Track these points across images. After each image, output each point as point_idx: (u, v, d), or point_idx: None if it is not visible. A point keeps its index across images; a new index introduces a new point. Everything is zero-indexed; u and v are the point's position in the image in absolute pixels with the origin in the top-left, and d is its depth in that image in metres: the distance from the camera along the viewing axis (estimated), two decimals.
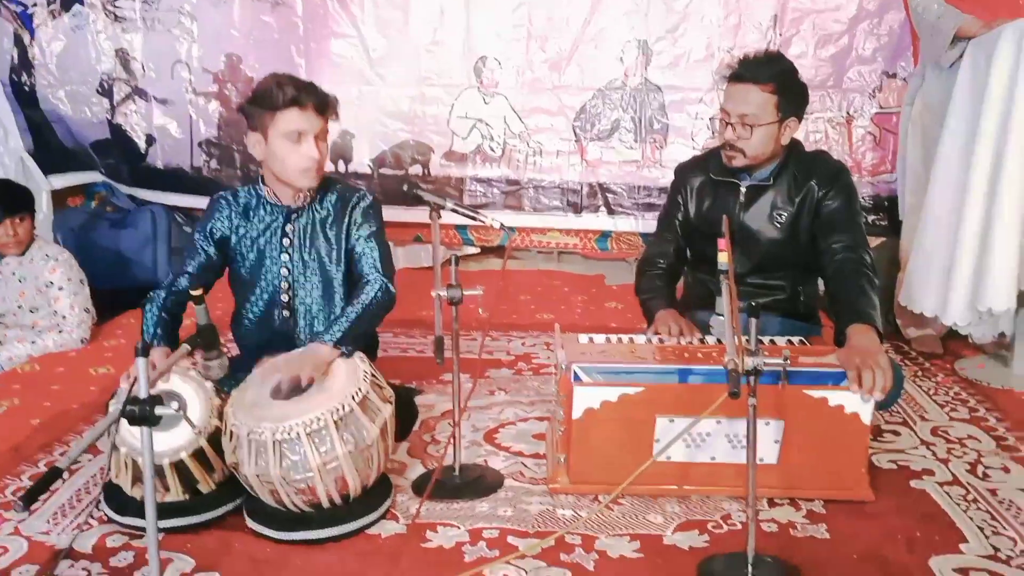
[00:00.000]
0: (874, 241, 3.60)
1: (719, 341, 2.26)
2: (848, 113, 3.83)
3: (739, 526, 1.98)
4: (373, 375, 2.05)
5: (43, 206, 4.34)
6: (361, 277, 2.31)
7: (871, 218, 3.76)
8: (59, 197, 4.49)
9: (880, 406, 2.43)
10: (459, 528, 1.99)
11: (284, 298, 2.38)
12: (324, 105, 2.27)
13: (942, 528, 1.98)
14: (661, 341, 2.28)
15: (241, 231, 2.37)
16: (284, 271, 2.37)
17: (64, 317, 3.24)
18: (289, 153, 2.24)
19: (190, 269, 2.36)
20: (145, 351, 1.50)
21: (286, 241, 2.36)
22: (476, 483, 2.19)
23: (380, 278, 2.28)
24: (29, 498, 1.30)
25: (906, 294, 3.05)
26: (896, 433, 2.50)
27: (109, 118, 4.31)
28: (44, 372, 3.04)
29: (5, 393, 2.83)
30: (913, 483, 2.20)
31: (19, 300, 3.25)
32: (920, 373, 3.01)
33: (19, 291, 3.24)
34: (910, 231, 3.15)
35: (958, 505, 2.09)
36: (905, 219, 3.27)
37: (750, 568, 1.73)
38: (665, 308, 2.42)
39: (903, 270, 3.13)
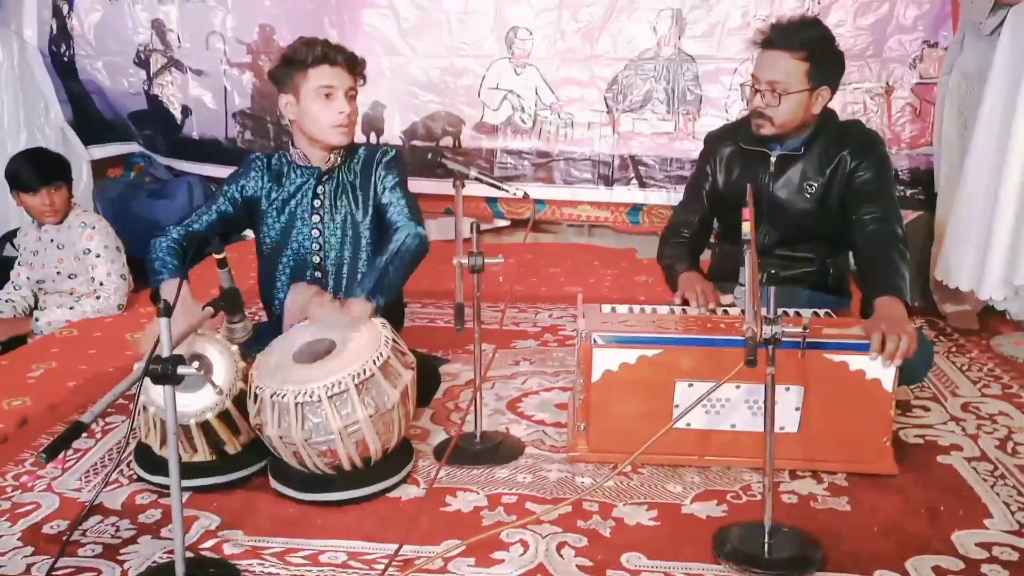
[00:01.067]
0: (912, 215, 3.54)
1: (743, 313, 2.24)
2: (888, 84, 3.74)
3: (758, 497, 1.97)
4: (395, 341, 2.07)
5: (83, 176, 4.45)
6: (391, 227, 2.33)
7: (909, 192, 3.68)
8: (99, 167, 4.59)
9: (908, 380, 2.41)
10: (478, 493, 2.01)
11: (315, 259, 2.42)
12: (354, 62, 2.32)
13: (967, 503, 1.95)
14: (684, 311, 2.26)
15: (272, 195, 2.40)
16: (315, 232, 2.40)
17: (101, 283, 3.31)
18: (322, 109, 2.29)
19: (212, 215, 2.37)
20: (168, 311, 1.53)
21: (317, 202, 2.39)
22: (496, 450, 2.21)
23: (409, 224, 2.30)
24: (52, 450, 1.34)
25: (942, 268, 3.00)
26: (926, 409, 2.47)
27: (146, 89, 4.38)
28: (81, 336, 3.11)
29: (44, 356, 2.91)
30: (940, 458, 2.17)
31: (58, 267, 3.32)
32: (954, 349, 2.95)
33: (58, 258, 3.32)
34: (945, 204, 3.09)
35: (985, 481, 2.05)
36: (940, 192, 3.20)
37: (766, 537, 1.72)
38: (688, 270, 2.40)
39: (938, 244, 3.07)
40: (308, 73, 2.27)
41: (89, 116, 4.46)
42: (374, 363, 1.96)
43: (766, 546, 1.72)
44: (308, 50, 2.26)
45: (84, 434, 2.24)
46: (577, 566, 1.72)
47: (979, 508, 1.93)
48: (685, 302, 2.30)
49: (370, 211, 2.39)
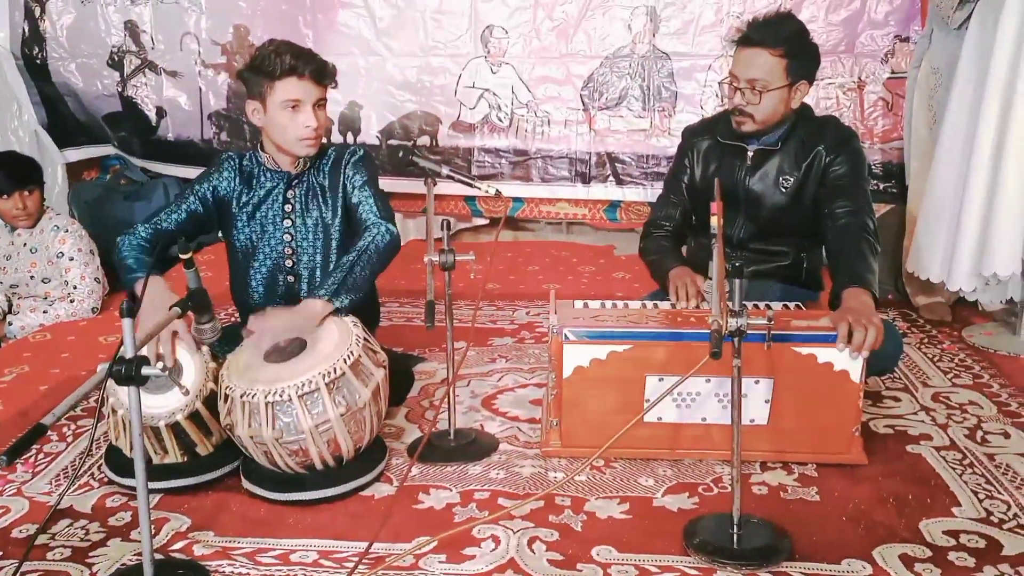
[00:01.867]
0: (884, 208, 3.57)
1: None
2: (860, 78, 3.76)
3: (729, 489, 1.97)
4: (366, 339, 2.07)
5: (58, 179, 4.42)
6: (362, 225, 2.30)
7: (882, 185, 3.70)
8: (74, 170, 4.56)
9: (879, 371, 2.43)
10: (451, 490, 2.02)
11: (288, 263, 2.40)
12: (322, 73, 2.27)
13: (935, 492, 1.97)
14: (656, 305, 2.27)
15: (243, 198, 2.38)
16: (287, 237, 2.38)
17: (75, 287, 3.30)
18: (288, 122, 2.25)
19: (182, 214, 2.32)
20: (131, 312, 1.52)
21: (288, 207, 2.37)
22: (470, 447, 2.21)
23: (379, 222, 2.27)
24: (13, 453, 1.34)
25: (912, 260, 3.02)
26: (896, 399, 2.49)
27: (120, 91, 4.35)
28: (55, 340, 3.09)
29: (16, 360, 2.89)
30: (909, 448, 2.19)
31: (31, 270, 3.30)
32: (926, 340, 2.98)
33: (31, 261, 3.30)
34: (916, 197, 3.11)
35: (954, 470, 2.07)
36: (911, 185, 3.23)
37: (735, 528, 1.73)
38: (677, 265, 2.41)
39: (909, 237, 3.09)
40: (275, 85, 2.21)
41: (63, 118, 4.42)
42: (345, 362, 1.96)
43: (735, 537, 1.73)
44: (276, 60, 2.20)
45: (55, 438, 2.31)
46: (548, 560, 1.73)
47: (947, 497, 1.95)
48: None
49: (339, 212, 2.37)
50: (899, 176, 3.63)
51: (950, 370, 2.70)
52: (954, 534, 1.81)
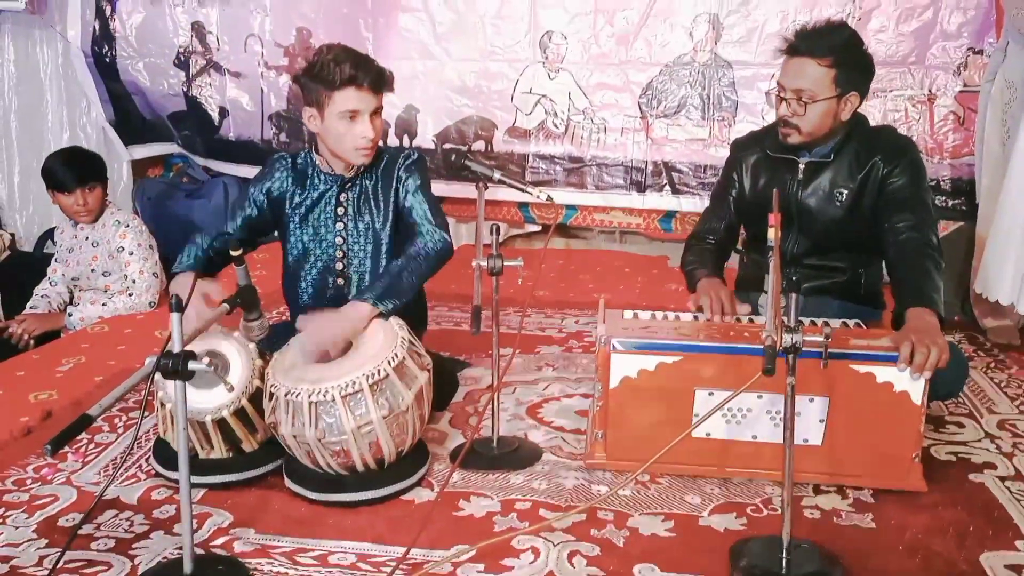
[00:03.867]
0: (952, 226, 3.45)
1: None
2: (930, 91, 3.64)
3: (779, 511, 1.91)
4: (411, 342, 2.06)
5: (123, 176, 4.54)
6: (413, 230, 2.29)
7: (951, 202, 3.58)
8: (139, 167, 4.67)
9: (943, 396, 2.33)
10: (492, 499, 1.99)
11: (339, 266, 2.40)
12: (380, 82, 2.25)
13: (998, 524, 1.88)
14: (696, 318, 2.21)
15: (296, 199, 2.39)
16: (339, 240, 2.39)
17: (134, 281, 3.36)
18: (345, 132, 2.24)
19: (238, 220, 2.39)
20: (180, 307, 1.54)
21: (340, 210, 2.38)
22: (513, 455, 2.18)
23: (432, 228, 2.27)
24: (58, 442, 1.35)
25: (981, 281, 2.90)
26: (960, 425, 2.38)
27: (185, 90, 4.44)
28: (112, 332, 3.15)
29: (74, 351, 2.95)
30: (972, 476, 2.09)
31: (92, 264, 3.37)
32: (993, 365, 2.85)
33: (92, 255, 3.37)
34: (986, 215, 2.99)
35: (1018, 501, 1.97)
36: (981, 203, 3.10)
37: (784, 553, 1.67)
38: (708, 276, 2.35)
39: (978, 256, 2.97)
40: (334, 96, 2.20)
41: (130, 116, 4.53)
42: (389, 364, 1.95)
43: (784, 561, 1.66)
44: (336, 70, 2.17)
45: (107, 428, 2.35)
46: None
47: (1011, 529, 1.86)
48: (700, 309, 2.25)
49: (391, 216, 2.36)
50: (968, 193, 3.50)
51: (1018, 396, 2.58)
52: (1017, 568, 1.72)
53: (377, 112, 2.27)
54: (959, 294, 3.23)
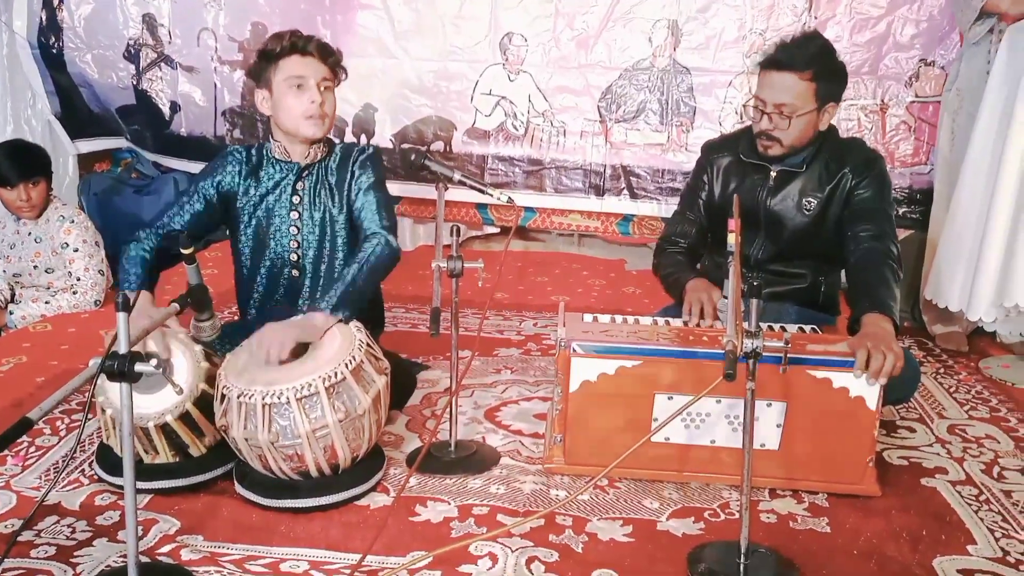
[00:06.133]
0: (904, 233, 3.50)
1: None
2: (883, 101, 3.70)
3: (737, 515, 1.92)
4: (369, 345, 2.02)
5: (69, 170, 4.39)
6: (362, 231, 2.27)
7: (903, 210, 3.64)
8: (87, 161, 4.53)
9: (895, 401, 2.37)
10: (449, 504, 1.96)
11: (293, 257, 2.35)
12: (326, 50, 2.27)
13: (950, 528, 1.90)
14: (668, 322, 2.21)
15: (251, 191, 2.34)
16: (294, 229, 2.34)
17: (78, 279, 3.26)
18: (294, 100, 2.24)
19: (185, 215, 2.29)
20: (126, 306, 1.48)
21: (296, 199, 2.33)
22: (470, 459, 2.15)
23: (380, 233, 2.24)
24: None
25: (932, 288, 2.95)
26: (911, 430, 2.42)
27: (135, 84, 4.32)
28: (55, 332, 3.05)
29: (14, 351, 2.85)
30: (924, 481, 2.12)
31: (35, 260, 3.27)
32: (943, 370, 2.91)
33: (35, 251, 3.26)
34: (937, 222, 3.05)
35: (969, 505, 2.00)
36: (934, 208, 3.16)
37: (742, 558, 1.67)
38: (694, 277, 2.35)
39: (929, 263, 3.03)
40: (279, 64, 2.23)
41: (77, 109, 4.39)
42: (346, 366, 1.90)
43: (742, 567, 1.66)
44: (277, 41, 2.23)
45: (48, 431, 2.26)
46: None
47: (962, 534, 1.89)
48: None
49: (345, 209, 2.33)
50: (920, 202, 3.57)
51: (967, 402, 2.63)
52: (969, 573, 1.74)
53: (327, 86, 2.27)
54: (909, 300, 3.28)
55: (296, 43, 2.22)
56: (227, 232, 2.44)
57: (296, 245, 2.34)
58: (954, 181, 2.88)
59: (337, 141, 2.48)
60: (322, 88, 2.25)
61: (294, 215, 2.33)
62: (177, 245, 2.02)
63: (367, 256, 2.16)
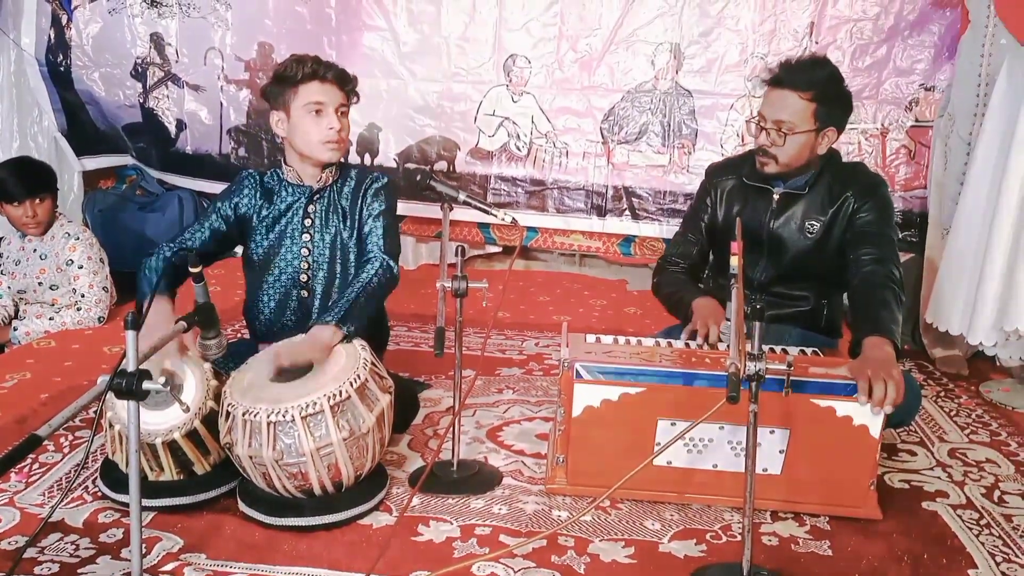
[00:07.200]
0: (904, 256, 3.52)
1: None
2: (883, 125, 3.74)
3: (738, 537, 1.92)
4: (373, 364, 2.03)
5: (74, 187, 4.42)
6: (365, 254, 2.30)
7: (903, 234, 3.66)
8: (91, 178, 4.56)
9: (896, 424, 2.37)
10: (451, 523, 1.96)
11: (303, 278, 2.37)
12: (345, 78, 2.31)
13: (951, 552, 1.91)
14: (688, 344, 2.22)
15: (263, 212, 2.37)
16: (304, 251, 2.36)
17: (83, 295, 3.27)
18: (311, 126, 2.27)
19: (205, 232, 2.33)
20: (136, 324, 1.49)
21: (307, 222, 2.36)
22: (473, 479, 2.16)
23: (381, 256, 2.28)
24: (4, 464, 1.29)
25: (932, 311, 2.97)
26: (912, 453, 2.42)
27: (141, 102, 4.36)
28: (59, 348, 3.06)
29: (19, 366, 2.86)
30: (925, 504, 2.12)
31: (40, 277, 3.28)
32: (943, 394, 2.91)
33: (40, 268, 3.28)
34: (932, 246, 3.07)
35: (970, 529, 2.01)
36: (930, 232, 3.19)
37: None
38: (701, 296, 2.36)
39: (928, 286, 3.04)
40: (298, 90, 2.26)
41: (83, 126, 4.43)
42: (351, 385, 1.91)
43: None
44: (298, 67, 2.26)
45: (52, 448, 2.26)
46: None
47: (963, 558, 1.89)
48: (694, 335, 2.25)
49: (355, 233, 2.37)
50: (919, 225, 3.59)
51: (967, 426, 2.64)
52: None
53: (343, 112, 2.31)
54: (909, 323, 3.30)
55: (317, 70, 2.25)
56: (239, 251, 2.46)
57: (307, 266, 2.37)
58: (947, 204, 2.90)
59: (353, 164, 2.50)
60: (339, 114, 2.29)
61: (305, 237, 2.35)
62: (187, 263, 2.05)
63: (368, 278, 2.20)
